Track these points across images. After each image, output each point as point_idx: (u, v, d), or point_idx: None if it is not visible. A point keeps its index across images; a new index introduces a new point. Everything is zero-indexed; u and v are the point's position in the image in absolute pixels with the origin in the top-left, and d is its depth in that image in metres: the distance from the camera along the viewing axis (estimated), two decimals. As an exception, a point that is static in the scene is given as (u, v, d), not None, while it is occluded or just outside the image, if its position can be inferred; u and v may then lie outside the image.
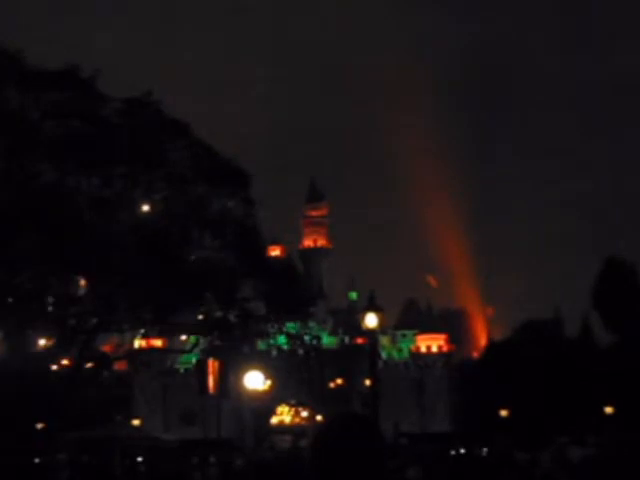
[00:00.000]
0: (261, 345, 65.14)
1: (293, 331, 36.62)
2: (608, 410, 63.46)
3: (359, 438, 2.99)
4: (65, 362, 34.90)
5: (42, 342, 32.58)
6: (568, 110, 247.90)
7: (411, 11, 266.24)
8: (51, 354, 32.10)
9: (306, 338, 38.90)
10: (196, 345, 36.61)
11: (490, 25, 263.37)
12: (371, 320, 25.50)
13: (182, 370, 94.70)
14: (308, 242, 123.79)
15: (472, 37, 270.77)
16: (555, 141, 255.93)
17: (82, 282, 30.72)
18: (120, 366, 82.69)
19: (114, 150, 28.93)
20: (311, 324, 42.39)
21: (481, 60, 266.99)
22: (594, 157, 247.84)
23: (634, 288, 69.25)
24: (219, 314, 33.56)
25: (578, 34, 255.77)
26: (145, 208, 30.40)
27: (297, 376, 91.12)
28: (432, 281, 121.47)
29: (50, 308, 30.81)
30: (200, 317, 33.29)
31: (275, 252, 68.88)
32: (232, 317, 33.09)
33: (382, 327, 29.03)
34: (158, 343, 69.56)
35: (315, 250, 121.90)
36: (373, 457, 2.97)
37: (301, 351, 46.94)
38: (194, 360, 61.29)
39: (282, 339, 38.16)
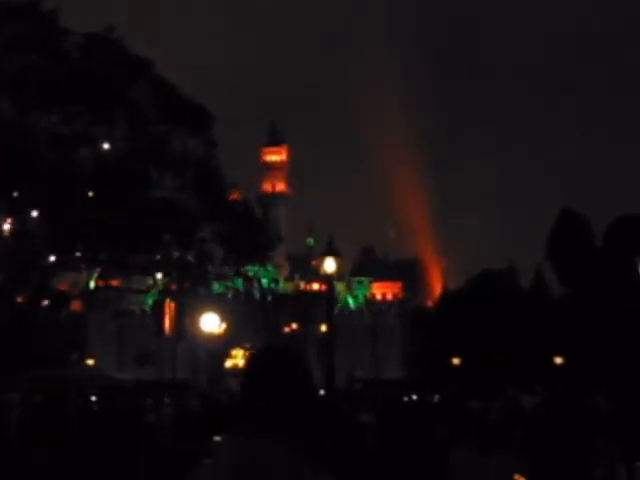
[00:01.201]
0: (218, 288, 65.15)
1: (251, 274, 36.57)
2: (558, 360, 64.41)
3: (281, 367, 3.23)
4: (19, 299, 34.62)
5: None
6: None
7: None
8: (5, 290, 31.82)
9: (264, 281, 38.88)
10: (153, 286, 36.49)
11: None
12: (329, 265, 25.49)
13: (138, 311, 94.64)
14: (267, 187, 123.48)
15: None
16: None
17: (37, 217, 30.36)
18: (75, 306, 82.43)
19: (74, 86, 28.48)
20: (269, 268, 42.41)
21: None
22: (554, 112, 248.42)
23: (587, 240, 69.84)
24: (177, 255, 33.42)
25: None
26: (105, 146, 30.04)
27: (253, 320, 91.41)
28: (391, 231, 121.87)
29: (3, 243, 30.46)
30: (158, 257, 33.13)
31: (234, 196, 68.58)
32: (190, 258, 32.98)
33: (339, 273, 29.10)
34: (114, 283, 69.25)
35: (273, 195, 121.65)
36: (294, 383, 3.21)
37: (257, 295, 46.98)
38: (150, 301, 61.19)
39: (239, 282, 38.12)
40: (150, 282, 36.93)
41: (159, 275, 34.02)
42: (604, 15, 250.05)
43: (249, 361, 3.33)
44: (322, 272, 26.72)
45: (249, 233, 34.24)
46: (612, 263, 60.26)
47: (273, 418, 3.15)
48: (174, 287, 36.04)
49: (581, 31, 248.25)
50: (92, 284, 45.11)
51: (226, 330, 66.75)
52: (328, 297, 32.42)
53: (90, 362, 72.09)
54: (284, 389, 3.17)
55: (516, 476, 6.21)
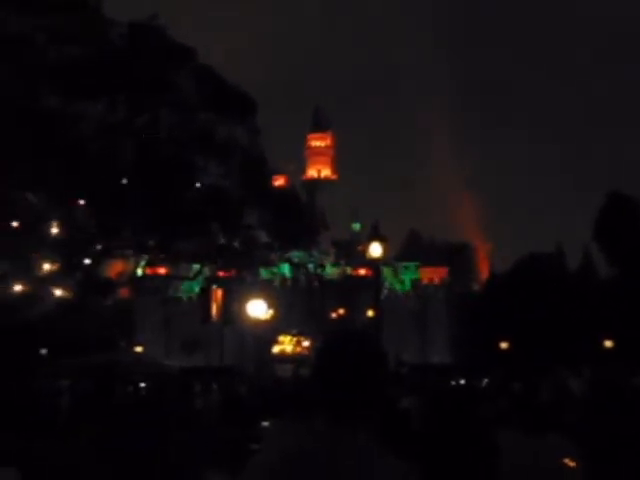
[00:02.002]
0: (264, 274, 65.33)
1: (297, 260, 36.68)
2: (607, 344, 63.91)
3: (359, 347, 3.13)
4: (69, 288, 35.02)
5: (46, 267, 32.64)
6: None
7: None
8: (55, 279, 32.18)
9: (310, 266, 38.95)
10: (200, 273, 36.70)
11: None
12: (376, 249, 25.48)
13: (185, 298, 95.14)
14: (312, 172, 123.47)
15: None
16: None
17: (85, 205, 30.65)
18: (124, 293, 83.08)
19: (118, 75, 28.68)
20: (315, 253, 42.46)
21: None
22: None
23: (635, 222, 69.24)
24: (223, 242, 33.59)
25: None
26: (151, 134, 30.25)
27: (299, 306, 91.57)
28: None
29: (54, 233, 30.79)
30: (204, 244, 33.31)
31: (279, 182, 68.70)
32: (236, 245, 33.12)
33: (385, 258, 29.12)
34: (162, 270, 69.78)
35: (319, 181, 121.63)
36: (371, 365, 3.12)
37: (304, 281, 47.00)
38: (197, 288, 61.55)
39: (286, 267, 38.23)
40: (197, 269, 37.15)
41: (206, 262, 34.24)
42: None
43: (325, 349, 3.19)
44: (368, 257, 26.72)
45: (294, 219, 34.31)
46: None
47: (355, 409, 3.09)
48: (221, 274, 36.19)
49: None
50: (140, 271, 45.50)
51: (273, 316, 66.99)
52: (375, 282, 32.37)
53: (139, 349, 72.73)
54: (366, 379, 3.10)
55: (566, 460, 6.17)
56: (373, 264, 29.49)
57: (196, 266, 37.55)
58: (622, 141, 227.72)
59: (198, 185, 31.31)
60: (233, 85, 31.51)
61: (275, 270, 39.83)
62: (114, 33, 30.06)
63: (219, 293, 36.84)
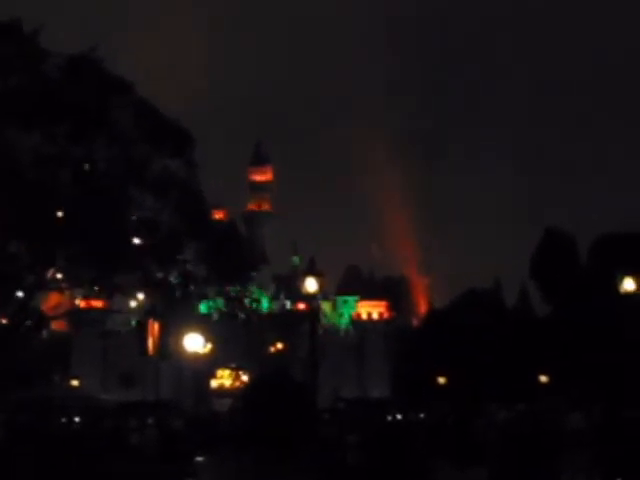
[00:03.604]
0: (203, 308, 65.10)
1: (233, 294, 36.61)
2: (542, 379, 64.58)
3: (281, 389, 3.19)
4: (3, 321, 34.55)
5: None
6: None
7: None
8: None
9: (246, 301, 38.86)
10: (136, 306, 36.42)
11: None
12: (311, 285, 25.63)
13: (122, 331, 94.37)
14: (252, 206, 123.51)
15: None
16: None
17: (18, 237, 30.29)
18: (60, 326, 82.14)
19: (55, 107, 28.52)
20: (252, 288, 42.41)
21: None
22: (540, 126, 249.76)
23: (572, 259, 70.16)
24: (160, 275, 33.41)
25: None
26: (86, 167, 30.08)
27: (238, 340, 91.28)
28: (375, 249, 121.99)
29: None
30: (140, 278, 33.10)
31: (219, 215, 68.51)
32: (173, 279, 32.99)
33: (323, 292, 29.20)
34: (98, 303, 69.18)
35: (259, 214, 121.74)
36: (292, 404, 3.18)
37: (242, 315, 47.07)
38: (134, 321, 61.06)
39: (221, 302, 38.15)
40: (133, 303, 36.88)
41: (142, 295, 34.00)
42: None
43: (251, 390, 3.27)
44: (304, 291, 26.83)
45: (232, 253, 34.25)
46: (596, 281, 60.47)
47: (280, 446, 3.16)
48: (157, 307, 35.98)
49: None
50: (77, 304, 45.04)
51: (211, 350, 66.70)
52: (310, 316, 32.44)
53: (74, 383, 71.95)
54: (288, 418, 3.17)
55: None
56: (309, 298, 29.60)
57: (133, 299, 37.23)
58: (561, 181, 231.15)
59: (134, 218, 31.17)
60: (171, 118, 31.49)
61: (211, 304, 39.68)
62: (51, 64, 29.89)
63: (155, 326, 36.56)
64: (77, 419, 42.94)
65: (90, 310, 62.90)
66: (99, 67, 29.99)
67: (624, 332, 45.11)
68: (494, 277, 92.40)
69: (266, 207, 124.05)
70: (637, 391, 41.89)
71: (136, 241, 29.73)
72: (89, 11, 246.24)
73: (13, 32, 29.23)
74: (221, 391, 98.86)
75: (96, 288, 35.66)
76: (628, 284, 30.06)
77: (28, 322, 34.11)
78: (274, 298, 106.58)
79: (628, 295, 30.25)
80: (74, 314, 46.31)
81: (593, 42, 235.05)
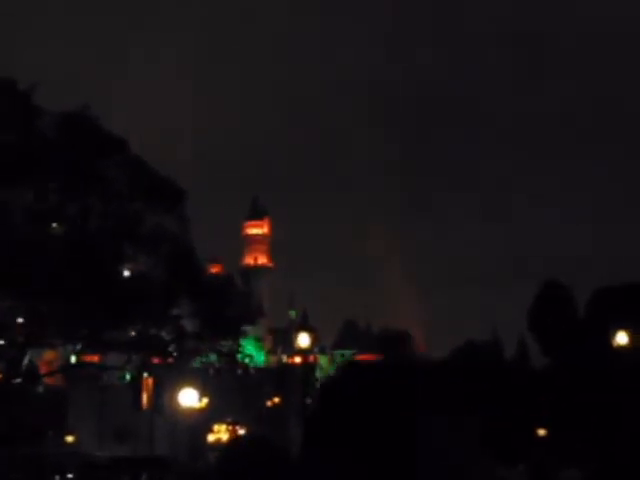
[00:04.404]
0: (197, 362, 64.83)
1: (225, 350, 36.55)
2: (540, 433, 64.09)
3: (254, 458, 3.26)
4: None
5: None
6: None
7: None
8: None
9: (238, 357, 38.73)
10: (129, 362, 36.33)
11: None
12: (304, 340, 25.67)
13: (118, 386, 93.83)
14: (249, 260, 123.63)
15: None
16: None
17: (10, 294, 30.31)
18: (54, 381, 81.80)
19: (49, 164, 28.70)
20: (246, 342, 42.33)
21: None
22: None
23: (570, 312, 70.02)
24: (153, 331, 33.41)
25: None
26: (79, 223, 30.18)
27: (234, 394, 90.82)
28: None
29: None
30: (134, 334, 33.09)
31: (215, 269, 68.55)
32: (164, 335, 32.98)
33: (320, 346, 29.18)
34: (94, 358, 68.95)
35: (256, 268, 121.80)
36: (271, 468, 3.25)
37: (239, 370, 46.97)
38: (129, 377, 60.80)
39: (214, 357, 38.07)
40: (127, 358, 36.82)
41: (134, 351, 33.99)
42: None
43: (222, 461, 3.36)
44: (296, 346, 26.85)
45: (226, 308, 34.28)
46: (593, 334, 60.31)
47: None
48: (151, 362, 35.93)
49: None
50: (72, 360, 44.94)
51: (207, 405, 66.32)
52: (304, 371, 32.40)
53: (69, 439, 71.52)
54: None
55: None
56: (303, 353, 29.62)
57: (127, 355, 37.19)
58: (561, 230, 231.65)
59: (127, 274, 31.22)
60: (163, 175, 31.70)
61: (203, 360, 39.55)
62: (45, 122, 30.13)
63: (149, 381, 36.48)
64: (70, 475, 42.62)
65: (85, 365, 62.70)
66: (93, 124, 30.23)
67: (619, 385, 44.98)
68: (492, 329, 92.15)
69: (263, 260, 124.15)
70: (632, 444, 41.67)
71: (128, 297, 29.74)
72: (87, 65, 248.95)
73: (7, 89, 29.49)
74: (218, 445, 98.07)
75: (90, 344, 35.62)
76: (621, 338, 30.06)
77: (20, 378, 34.04)
78: (271, 352, 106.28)
79: (622, 348, 30.25)
80: (69, 369, 46.11)
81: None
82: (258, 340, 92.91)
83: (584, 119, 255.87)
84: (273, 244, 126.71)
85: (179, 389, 38.81)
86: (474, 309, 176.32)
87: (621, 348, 30.26)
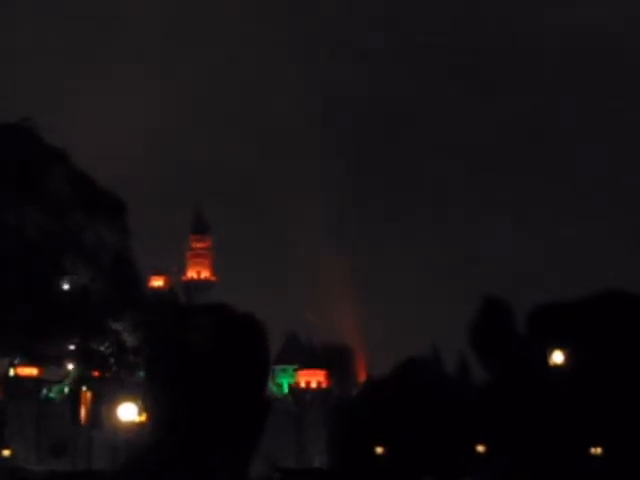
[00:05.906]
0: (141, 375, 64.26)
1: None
2: (480, 449, 64.39)
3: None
4: None
5: None
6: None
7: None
8: None
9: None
10: (68, 375, 35.96)
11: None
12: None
13: (57, 400, 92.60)
14: (192, 274, 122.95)
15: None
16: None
17: None
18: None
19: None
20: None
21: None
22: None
23: (509, 328, 70.46)
24: (93, 345, 33.11)
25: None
26: (17, 235, 29.84)
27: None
28: (310, 317, 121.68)
29: None
30: (72, 347, 32.75)
31: (158, 283, 68.12)
32: (103, 348, 32.70)
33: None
34: (33, 371, 68.08)
35: (198, 282, 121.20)
36: None
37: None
38: (67, 390, 60.11)
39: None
40: (65, 372, 36.44)
41: (72, 365, 33.65)
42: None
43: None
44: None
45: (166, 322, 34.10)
46: (532, 351, 60.80)
47: None
48: (90, 376, 35.59)
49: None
50: (11, 373, 44.35)
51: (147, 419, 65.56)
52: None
53: (6, 452, 70.35)
54: None
55: None
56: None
57: (65, 368, 36.80)
58: (499, 249, 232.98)
59: (66, 287, 30.93)
60: (103, 187, 31.49)
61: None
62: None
63: (87, 395, 36.08)
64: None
65: (24, 378, 61.88)
66: (32, 136, 29.90)
67: (557, 403, 45.37)
68: (433, 344, 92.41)
69: (206, 274, 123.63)
70: (574, 459, 42.09)
71: (66, 310, 29.45)
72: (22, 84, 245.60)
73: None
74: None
75: (26, 356, 35.20)
76: (557, 357, 30.32)
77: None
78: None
79: (557, 367, 30.50)
80: (8, 382, 45.49)
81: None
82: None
83: (536, 135, 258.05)
84: (216, 257, 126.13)
85: (118, 403, 38.44)
86: (411, 324, 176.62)
87: (557, 367, 30.53)
